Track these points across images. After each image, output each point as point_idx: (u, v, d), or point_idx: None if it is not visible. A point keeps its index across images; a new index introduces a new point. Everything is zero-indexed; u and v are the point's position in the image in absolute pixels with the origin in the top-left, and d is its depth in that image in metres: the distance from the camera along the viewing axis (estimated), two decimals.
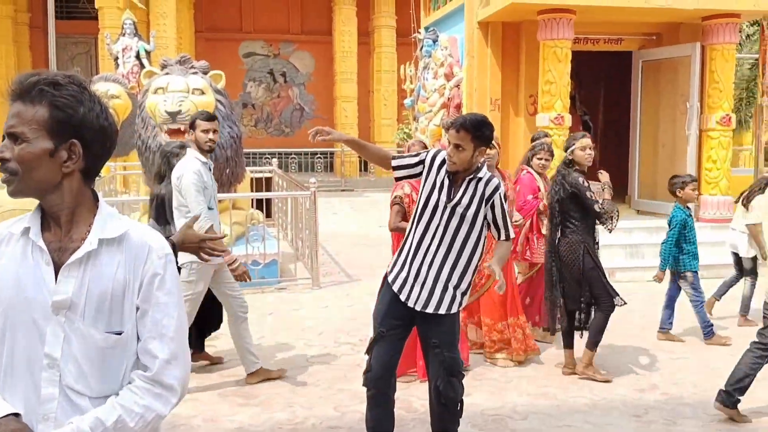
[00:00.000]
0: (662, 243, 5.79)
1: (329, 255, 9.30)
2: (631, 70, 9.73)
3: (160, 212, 4.82)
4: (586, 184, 4.71)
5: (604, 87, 11.53)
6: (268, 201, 10.63)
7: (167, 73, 7.58)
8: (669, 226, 5.77)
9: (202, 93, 7.52)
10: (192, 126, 4.54)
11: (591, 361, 4.81)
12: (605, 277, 4.90)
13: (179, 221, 4.39)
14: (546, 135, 6.16)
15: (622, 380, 4.81)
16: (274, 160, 11.51)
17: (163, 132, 7.22)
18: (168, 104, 7.15)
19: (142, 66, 12.84)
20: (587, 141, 4.77)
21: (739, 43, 13.14)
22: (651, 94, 9.47)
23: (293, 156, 17.74)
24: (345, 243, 10.02)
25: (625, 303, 4.92)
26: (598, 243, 5.02)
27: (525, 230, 5.61)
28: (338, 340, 5.69)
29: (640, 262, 8.03)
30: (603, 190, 4.83)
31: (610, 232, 4.92)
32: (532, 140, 6.10)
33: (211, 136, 4.49)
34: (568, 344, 4.95)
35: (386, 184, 17.79)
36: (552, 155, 5.74)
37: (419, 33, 10.79)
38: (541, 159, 5.64)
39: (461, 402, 3.40)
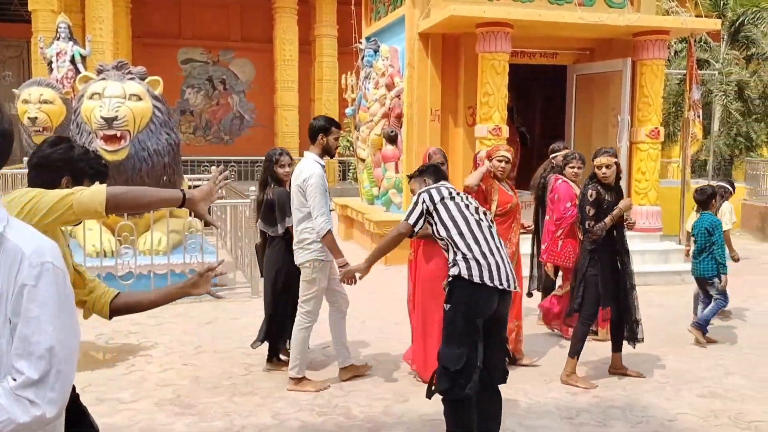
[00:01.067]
0: (714, 249, 5.92)
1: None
2: (566, 84, 10.05)
3: (268, 214, 5.08)
4: (592, 197, 4.84)
5: (542, 100, 11.87)
6: (208, 209, 10.40)
7: (104, 79, 7.43)
8: (711, 232, 5.95)
9: (139, 99, 7.38)
10: (323, 131, 4.70)
11: (573, 370, 4.94)
12: (599, 288, 4.93)
13: (298, 220, 4.67)
14: (565, 147, 6.58)
15: (555, 384, 4.93)
16: (213, 168, 11.31)
17: (99, 138, 7.05)
18: (104, 110, 7.03)
19: (77, 71, 12.45)
20: (604, 159, 4.88)
21: (668, 59, 13.80)
22: (584, 107, 9.80)
23: (233, 164, 17.50)
24: None
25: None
26: (626, 250, 5.22)
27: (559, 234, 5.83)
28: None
29: None
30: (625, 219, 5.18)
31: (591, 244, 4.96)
32: (552, 152, 6.57)
33: (338, 142, 4.94)
34: (615, 348, 5.16)
35: (332, 193, 17.74)
36: (584, 163, 5.95)
37: (360, 43, 10.85)
38: (573, 168, 5.86)
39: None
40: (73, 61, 13.23)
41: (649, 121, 9.06)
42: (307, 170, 4.56)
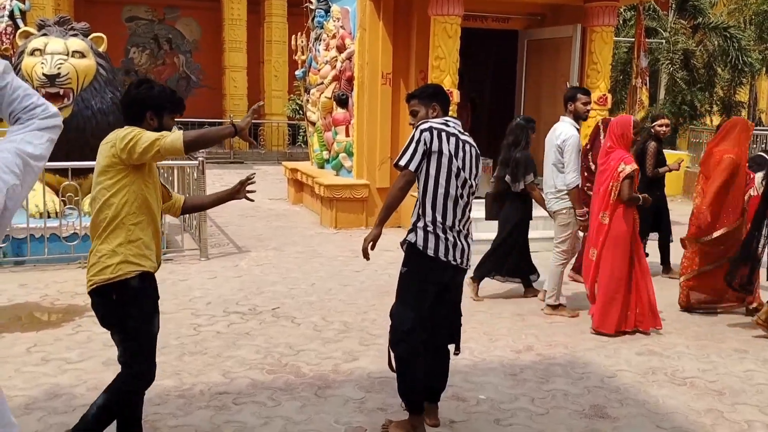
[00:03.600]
0: None
1: (217, 226, 9.08)
2: (516, 50, 10.08)
3: (515, 172, 5.87)
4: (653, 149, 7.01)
5: (493, 66, 11.88)
6: None
7: (45, 34, 7.16)
8: None
9: (83, 56, 7.11)
10: (571, 99, 5.67)
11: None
12: None
13: (555, 175, 5.58)
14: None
15: (500, 343, 5.04)
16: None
17: (40, 95, 6.74)
18: (46, 66, 6.80)
19: (17, 26, 11.85)
20: (665, 120, 7.20)
21: (618, 27, 13.98)
22: (534, 74, 9.86)
23: (179, 125, 17.06)
24: (233, 215, 9.81)
25: None
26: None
27: None
28: (227, 310, 5.60)
29: None
30: None
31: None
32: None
33: (588, 107, 5.73)
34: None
35: (275, 157, 17.56)
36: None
37: (311, 3, 10.62)
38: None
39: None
40: (12, 15, 12.59)
41: (598, 87, 9.16)
42: (565, 132, 5.49)
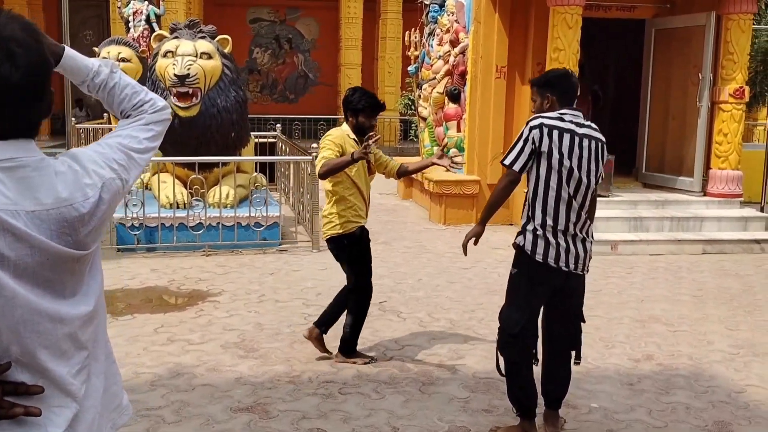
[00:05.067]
0: None
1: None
2: (643, 39, 9.52)
3: None
4: None
5: (616, 57, 11.31)
6: (272, 165, 10.61)
7: (176, 37, 7.57)
8: None
9: (210, 57, 7.47)
10: None
11: None
12: None
13: None
14: None
15: (616, 350, 4.76)
16: (278, 126, 11.41)
17: (172, 95, 7.19)
18: (177, 67, 7.17)
19: (152, 30, 12.80)
20: None
21: (758, 14, 12.83)
22: (663, 65, 9.27)
23: (297, 122, 17.62)
24: None
25: None
26: None
27: None
28: None
29: (643, 235, 7.94)
30: None
31: None
32: None
33: None
34: None
35: (387, 153, 17.62)
36: None
37: None
38: None
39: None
40: (148, 20, 13.60)
41: (734, 79, 8.49)
42: None
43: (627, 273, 6.92)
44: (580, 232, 3.28)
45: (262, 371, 4.20)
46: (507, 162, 3.26)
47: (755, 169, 9.39)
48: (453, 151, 9.66)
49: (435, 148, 10.51)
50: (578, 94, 8.39)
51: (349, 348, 4.37)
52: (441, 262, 7.07)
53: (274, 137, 11.17)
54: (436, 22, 10.43)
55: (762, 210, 8.80)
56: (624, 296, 6.10)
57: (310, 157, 7.55)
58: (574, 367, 4.34)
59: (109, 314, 5.21)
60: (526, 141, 3.21)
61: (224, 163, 7.60)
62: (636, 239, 7.83)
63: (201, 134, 7.31)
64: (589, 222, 3.34)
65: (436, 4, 10.37)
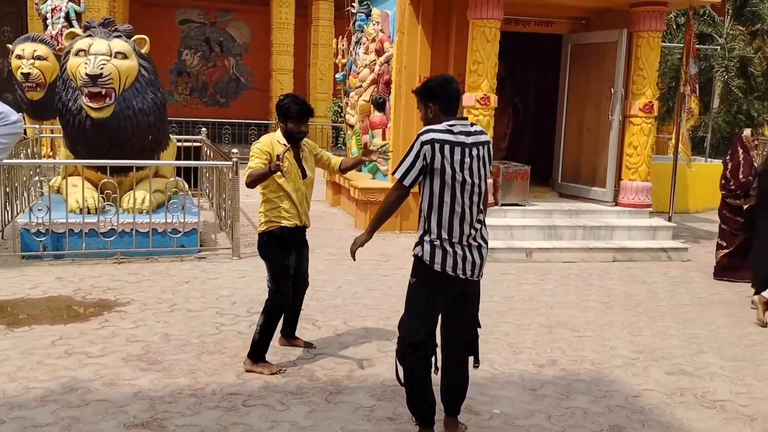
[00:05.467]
0: None
1: (253, 226, 9.15)
2: (560, 54, 9.85)
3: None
4: None
5: (537, 71, 11.66)
6: (196, 170, 10.42)
7: (90, 35, 7.34)
8: None
9: (125, 57, 7.28)
10: None
11: None
12: None
13: None
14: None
15: (523, 356, 4.90)
16: (203, 129, 11.22)
17: (84, 95, 6.97)
18: (89, 67, 6.97)
19: (72, 27, 12.31)
20: None
21: (670, 33, 13.52)
22: (579, 78, 9.62)
23: (227, 126, 17.36)
24: None
25: None
26: None
27: None
28: (251, 310, 5.62)
29: (557, 243, 8.20)
30: None
31: None
32: None
33: None
34: None
35: None
36: None
37: (353, 6, 10.64)
38: None
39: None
40: (68, 17, 13.06)
41: (644, 94, 8.88)
42: None
43: (540, 280, 7.13)
44: (476, 240, 3.35)
45: (163, 384, 4.10)
46: (398, 175, 3.26)
47: (665, 180, 9.84)
48: (376, 141, 9.69)
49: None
50: (495, 106, 8.63)
51: (257, 353, 4.36)
52: (362, 270, 7.10)
53: (199, 141, 10.96)
54: (362, 31, 10.49)
55: (669, 220, 9.22)
56: (535, 303, 6.28)
57: (231, 163, 7.45)
58: (479, 373, 4.46)
59: (4, 326, 5.00)
60: (417, 156, 3.21)
61: (140, 167, 7.40)
62: (550, 247, 8.08)
63: (115, 136, 7.10)
64: (483, 228, 3.41)
65: (363, 13, 10.44)
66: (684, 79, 9.43)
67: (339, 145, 18.38)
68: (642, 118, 8.91)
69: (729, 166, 7.15)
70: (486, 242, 3.42)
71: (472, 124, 3.37)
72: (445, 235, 3.27)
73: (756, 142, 7.25)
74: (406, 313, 3.41)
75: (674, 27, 13.52)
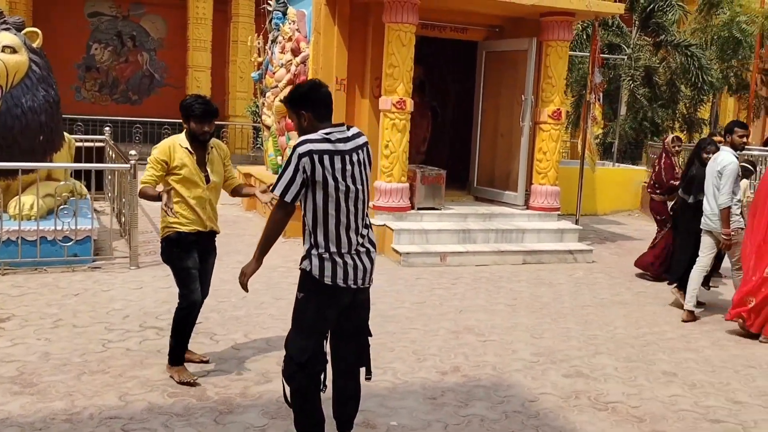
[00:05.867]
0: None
1: (158, 232, 8.80)
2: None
3: (688, 186, 6.68)
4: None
5: (456, 76, 11.79)
6: (99, 173, 9.94)
7: None
8: None
9: (14, 51, 6.83)
10: (730, 131, 6.26)
11: None
12: None
13: (712, 197, 6.12)
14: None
15: (427, 363, 4.89)
16: (107, 129, 10.70)
17: None
18: None
19: None
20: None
21: (580, 42, 13.96)
22: (493, 85, 9.78)
23: (138, 125, 16.71)
24: None
25: None
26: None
27: None
28: (144, 324, 5.36)
29: (471, 246, 8.29)
30: None
31: None
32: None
33: (744, 139, 6.24)
34: None
35: (238, 161, 17.25)
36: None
37: (269, 4, 10.43)
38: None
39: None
40: None
41: (552, 102, 9.12)
42: (726, 159, 6.06)
43: (452, 284, 7.17)
44: (364, 246, 3.28)
45: (36, 409, 3.80)
46: (278, 191, 3.10)
47: (575, 184, 10.14)
48: (292, 143, 9.55)
49: (279, 158, 10.37)
50: (411, 110, 8.63)
51: (171, 356, 4.31)
52: (272, 278, 6.93)
53: (102, 141, 10.45)
54: (279, 30, 10.30)
55: (576, 222, 9.50)
56: (444, 307, 6.31)
57: (128, 166, 7.10)
58: (380, 384, 4.42)
59: None
60: (297, 170, 3.07)
61: (30, 171, 6.93)
62: (464, 251, 8.16)
63: (1, 137, 6.63)
64: (370, 231, 3.33)
65: (279, 11, 10.25)
66: (589, 87, 9.74)
67: (258, 145, 18.04)
68: (551, 125, 9.15)
69: (655, 169, 7.86)
70: (374, 245, 3.35)
71: (348, 127, 3.26)
72: (333, 248, 3.18)
73: (677, 148, 7.82)
74: (294, 329, 3.27)
75: (584, 37, 13.97)
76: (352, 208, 3.19)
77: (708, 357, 5.29)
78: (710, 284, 6.95)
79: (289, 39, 9.83)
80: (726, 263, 6.80)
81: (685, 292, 6.43)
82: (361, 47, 9.05)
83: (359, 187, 3.20)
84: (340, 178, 3.13)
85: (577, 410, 4.23)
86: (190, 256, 4.29)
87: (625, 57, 14.09)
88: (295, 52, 9.59)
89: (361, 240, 3.26)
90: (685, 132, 16.00)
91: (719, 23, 15.42)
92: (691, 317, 6.24)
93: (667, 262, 7.45)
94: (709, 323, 6.23)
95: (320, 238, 3.17)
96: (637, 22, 14.62)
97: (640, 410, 4.27)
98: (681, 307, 6.45)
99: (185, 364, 4.40)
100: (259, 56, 11.24)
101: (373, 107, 8.90)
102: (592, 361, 5.09)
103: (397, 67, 8.31)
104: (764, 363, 5.21)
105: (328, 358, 3.41)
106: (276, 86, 10.14)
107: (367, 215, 3.32)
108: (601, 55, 13.66)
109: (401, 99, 8.35)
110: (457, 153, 11.05)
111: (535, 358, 5.09)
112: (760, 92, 18.00)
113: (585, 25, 13.65)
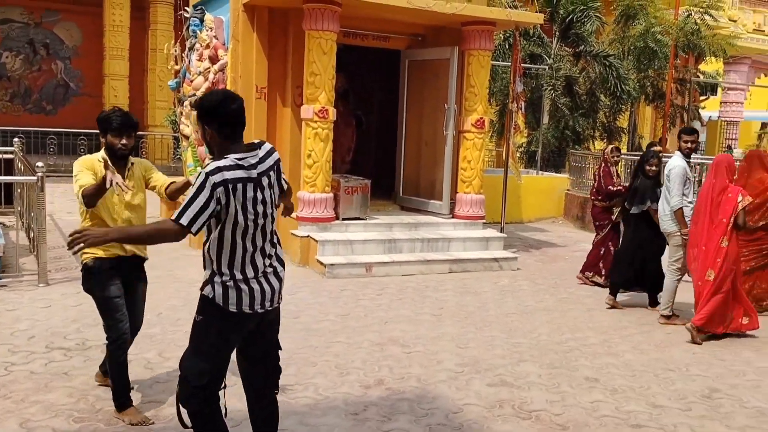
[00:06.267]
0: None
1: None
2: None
3: (632, 197, 6.91)
4: None
5: (380, 84, 11.75)
6: (8, 185, 9.38)
7: None
8: None
9: None
10: (679, 137, 6.66)
11: None
12: None
13: (664, 200, 6.48)
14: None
15: (350, 377, 4.75)
16: (16, 140, 10.10)
17: None
18: None
19: None
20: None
21: (503, 52, 14.21)
22: (417, 94, 9.78)
23: (52, 136, 15.90)
24: None
25: None
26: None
27: None
28: (51, 345, 5.01)
29: (396, 256, 8.21)
30: None
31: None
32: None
33: (688, 144, 6.52)
34: None
35: (164, 171, 16.65)
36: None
37: (186, 10, 10.10)
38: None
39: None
40: None
41: (475, 110, 9.18)
42: (672, 163, 6.43)
43: (378, 295, 7.07)
44: (271, 266, 3.08)
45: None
46: (184, 221, 2.75)
47: (500, 192, 10.24)
48: None
49: (198, 168, 10.03)
50: (334, 119, 8.50)
51: (116, 399, 3.93)
52: (190, 292, 6.63)
53: (11, 153, 9.86)
54: (196, 37, 9.98)
55: (501, 230, 9.59)
56: (369, 319, 6.19)
57: (35, 178, 6.68)
58: (301, 401, 4.25)
59: None
60: (210, 198, 2.77)
61: None
62: (389, 261, 8.07)
63: None
64: (278, 247, 3.12)
65: (196, 17, 9.93)
66: (511, 96, 9.87)
67: (179, 156, 17.50)
68: (474, 134, 9.21)
69: (596, 177, 8.29)
70: (282, 263, 3.15)
71: (261, 143, 3.04)
72: (239, 276, 2.93)
73: (616, 158, 8.17)
74: (193, 352, 3.01)
75: (506, 47, 14.23)
76: (259, 233, 2.96)
77: (628, 361, 5.37)
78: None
79: (207, 46, 9.53)
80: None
81: (615, 297, 6.98)
82: (281, 55, 8.87)
83: (269, 211, 2.98)
84: (250, 207, 2.88)
85: (501, 420, 4.18)
86: (111, 284, 3.91)
87: (547, 67, 14.43)
88: (213, 59, 9.31)
89: (268, 261, 3.04)
90: (605, 140, 16.51)
91: (635, 34, 15.98)
92: (669, 321, 6.48)
93: (607, 263, 7.78)
94: (629, 327, 6.35)
95: (224, 267, 2.93)
96: (557, 33, 15.01)
97: (563, 417, 4.25)
98: (614, 307, 6.93)
99: (106, 384, 4.12)
100: (177, 64, 10.86)
101: (295, 116, 8.72)
102: (516, 369, 5.07)
103: (319, 75, 8.18)
104: (682, 366, 5.32)
105: (233, 379, 3.20)
106: (194, 94, 9.79)
107: (275, 232, 3.12)
108: (523, 64, 14.00)
109: (323, 108, 8.22)
110: (382, 162, 10.99)
111: (460, 368, 5.03)
112: (676, 101, 18.80)
113: (507, 35, 13.89)
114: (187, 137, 10.41)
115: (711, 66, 23.92)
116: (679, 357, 5.54)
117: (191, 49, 10.03)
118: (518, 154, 15.18)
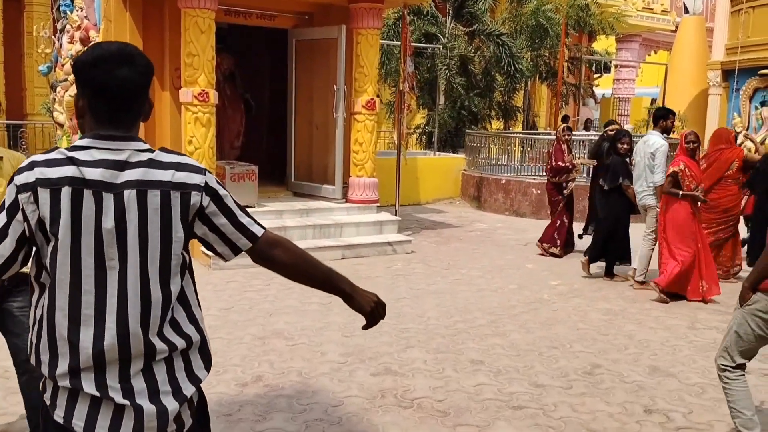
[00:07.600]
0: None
1: None
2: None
3: (605, 174, 7.35)
4: None
5: (271, 66, 11.35)
6: None
7: None
8: None
9: None
10: (664, 117, 7.11)
11: None
12: None
13: (647, 175, 6.91)
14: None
15: (227, 376, 4.47)
16: None
17: None
18: None
19: None
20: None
21: (397, 32, 14.07)
22: (305, 75, 9.47)
23: None
24: None
25: None
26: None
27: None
28: None
29: None
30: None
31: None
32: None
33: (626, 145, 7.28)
34: None
35: None
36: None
37: None
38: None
39: None
40: None
41: (366, 91, 8.98)
42: (657, 142, 6.89)
43: (265, 285, 6.79)
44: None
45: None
46: None
47: (392, 175, 10.14)
48: None
49: None
50: (215, 102, 8.06)
51: None
52: None
53: None
54: (67, 18, 9.25)
55: (396, 213, 9.49)
56: (254, 312, 5.92)
57: None
58: None
59: None
60: (13, 210, 1.71)
61: None
62: None
63: None
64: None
65: None
66: (402, 76, 9.75)
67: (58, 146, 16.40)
68: (365, 115, 9.02)
69: (549, 155, 8.77)
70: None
71: (150, 150, 1.81)
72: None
73: (567, 137, 8.59)
74: None
75: (399, 27, 14.09)
76: (111, 290, 1.73)
77: (514, 341, 5.37)
78: (614, 272, 7.48)
79: (78, 27, 8.86)
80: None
81: (589, 265, 7.44)
82: (157, 35, 8.33)
83: (137, 257, 1.75)
84: (82, 229, 1.70)
85: (382, 411, 4.04)
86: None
87: (441, 46, 14.42)
88: (84, 41, 8.65)
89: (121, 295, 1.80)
90: (501, 120, 16.77)
91: (527, 12, 16.21)
92: (642, 287, 6.96)
93: (563, 237, 8.44)
94: (518, 306, 6.39)
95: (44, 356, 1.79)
96: (451, 12, 15.02)
97: (444, 404, 4.16)
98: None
99: None
100: (47, 47, 10.06)
101: (174, 100, 8.23)
102: (402, 356, 4.95)
103: (197, 56, 7.72)
104: (566, 343, 5.37)
105: None
106: (65, 80, 9.10)
107: (172, 308, 1.85)
108: (417, 44, 13.93)
109: (203, 90, 7.78)
110: (274, 147, 10.65)
111: (343, 359, 4.86)
112: (568, 80, 19.35)
113: (400, 14, 13.75)
114: (61, 125, 9.68)
115: (603, 44, 24.87)
116: (564, 334, 5.59)
117: (62, 31, 9.31)
118: (415, 135, 15.25)
